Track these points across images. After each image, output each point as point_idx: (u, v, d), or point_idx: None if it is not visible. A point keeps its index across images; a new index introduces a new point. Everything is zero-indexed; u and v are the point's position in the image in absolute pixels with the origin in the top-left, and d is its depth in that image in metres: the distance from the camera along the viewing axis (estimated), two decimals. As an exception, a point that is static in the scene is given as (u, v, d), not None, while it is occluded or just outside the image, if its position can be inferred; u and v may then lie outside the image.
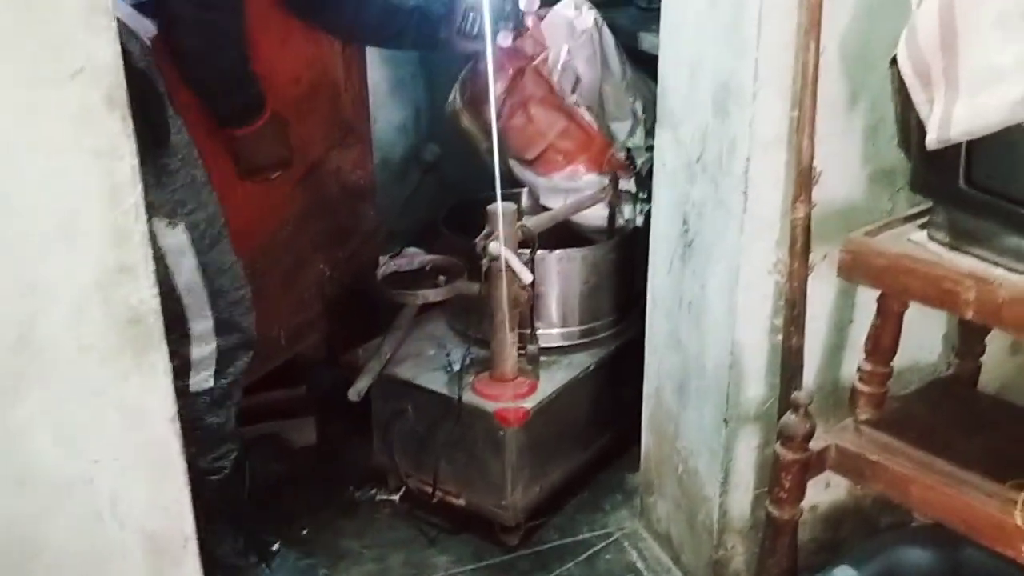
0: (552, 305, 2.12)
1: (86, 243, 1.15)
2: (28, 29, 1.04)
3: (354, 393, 1.99)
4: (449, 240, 2.14)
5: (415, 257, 2.11)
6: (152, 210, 1.54)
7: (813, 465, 1.49)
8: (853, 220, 1.64)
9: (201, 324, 1.74)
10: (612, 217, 2.16)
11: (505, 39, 2.02)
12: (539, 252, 1.99)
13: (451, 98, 2.34)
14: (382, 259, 2.19)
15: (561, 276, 2.09)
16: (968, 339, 1.72)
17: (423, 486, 2.12)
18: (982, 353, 1.73)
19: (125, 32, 1.54)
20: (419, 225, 3.35)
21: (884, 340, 1.54)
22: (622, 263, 2.17)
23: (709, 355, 1.75)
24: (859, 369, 1.57)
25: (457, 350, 2.12)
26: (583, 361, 2.12)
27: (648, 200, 2.14)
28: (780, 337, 1.65)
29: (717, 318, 1.71)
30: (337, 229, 2.77)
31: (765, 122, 1.53)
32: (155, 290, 1.22)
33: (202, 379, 1.77)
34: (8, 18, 1.02)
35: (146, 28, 1.70)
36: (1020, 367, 1.86)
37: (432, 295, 1.95)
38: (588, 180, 2.14)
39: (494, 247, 1.85)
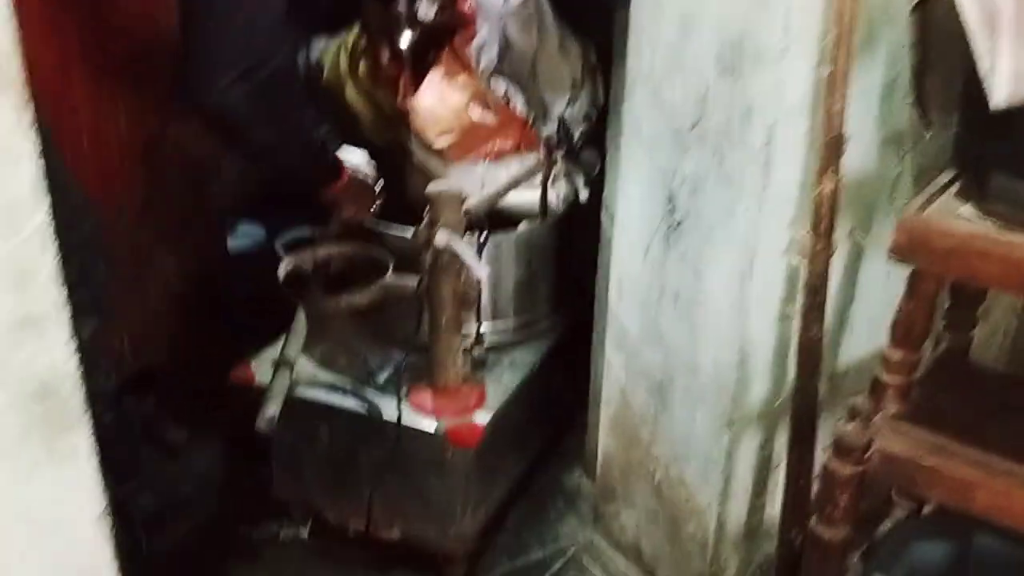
0: (485, 297, 1.82)
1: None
2: None
3: (264, 422, 1.61)
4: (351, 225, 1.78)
5: (316, 248, 1.73)
6: None
7: (870, 479, 1.31)
8: (866, 189, 1.47)
9: None
10: (544, 196, 1.87)
11: (427, 11, 1.68)
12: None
13: (327, 60, 1.96)
14: (280, 248, 1.79)
15: (495, 264, 1.79)
16: (960, 312, 1.60)
17: (342, 519, 1.79)
18: (975, 326, 1.62)
19: None
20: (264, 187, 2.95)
21: (917, 325, 1.37)
22: (560, 246, 1.89)
23: (705, 352, 1.52)
24: (885, 359, 1.39)
25: (375, 356, 1.78)
26: (526, 360, 1.84)
27: (592, 174, 1.88)
28: (793, 327, 1.45)
29: (718, 310, 1.48)
30: (183, 213, 2.34)
31: (793, 83, 1.30)
32: (71, 346, 0.83)
33: None
34: None
35: None
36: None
37: (360, 299, 1.59)
38: (510, 163, 1.85)
39: (441, 238, 1.52)
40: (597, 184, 1.83)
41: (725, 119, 1.37)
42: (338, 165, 1.71)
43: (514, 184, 1.79)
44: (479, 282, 1.57)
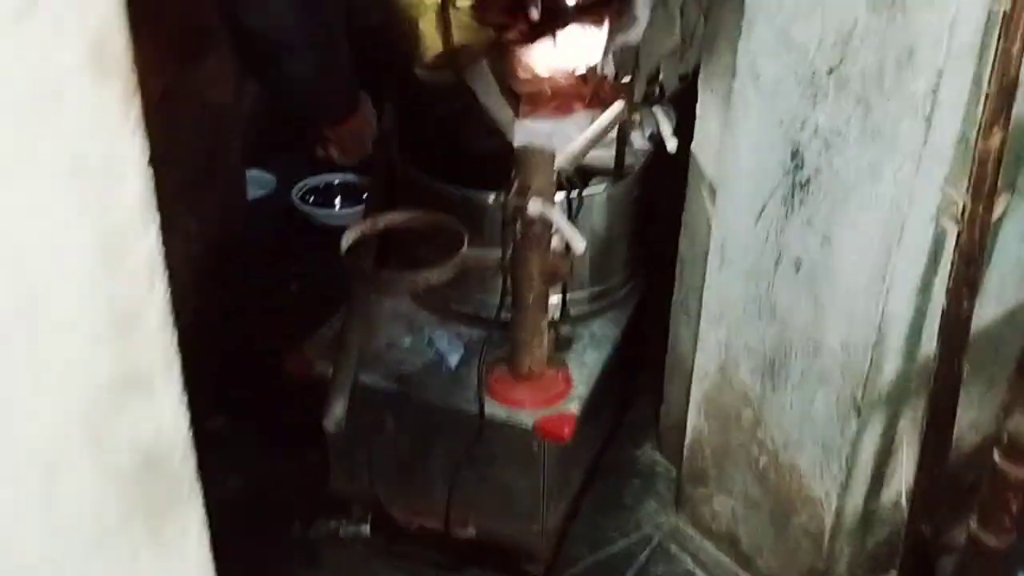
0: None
1: (57, 341, 0.55)
2: None
3: (332, 423, 1.43)
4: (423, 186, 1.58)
5: (378, 217, 1.52)
6: None
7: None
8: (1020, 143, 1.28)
9: None
10: (621, 151, 1.67)
11: None
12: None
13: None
14: (296, 199, 1.59)
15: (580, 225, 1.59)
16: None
17: (410, 516, 1.62)
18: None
19: None
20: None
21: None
22: (638, 206, 1.70)
23: (832, 329, 1.35)
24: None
25: (443, 335, 1.59)
26: (606, 334, 1.66)
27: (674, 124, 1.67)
28: (934, 299, 1.28)
29: (851, 283, 1.30)
30: (201, 167, 2.13)
31: (964, 22, 1.11)
32: (183, 406, 0.64)
33: None
34: None
35: None
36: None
37: (437, 276, 1.39)
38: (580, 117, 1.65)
39: (535, 207, 1.32)
40: (684, 135, 1.63)
41: (876, 62, 1.18)
42: (356, 105, 1.62)
43: (599, 138, 1.59)
44: (574, 255, 1.38)
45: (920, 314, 1.32)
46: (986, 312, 1.44)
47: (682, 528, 1.73)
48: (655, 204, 1.75)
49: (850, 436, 1.38)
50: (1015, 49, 1.11)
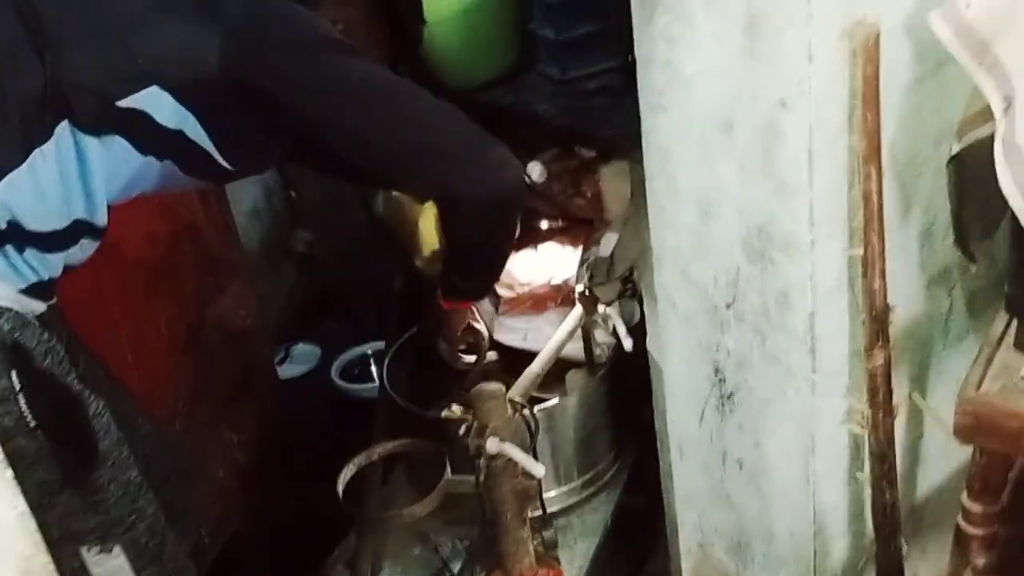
0: (546, 464, 1.79)
1: None
2: None
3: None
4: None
5: (371, 451, 1.72)
6: (79, 538, 1.28)
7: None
8: (917, 333, 1.41)
9: None
10: (589, 345, 1.84)
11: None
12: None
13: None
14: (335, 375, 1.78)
15: (552, 431, 1.77)
16: None
17: None
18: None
19: (19, 325, 1.22)
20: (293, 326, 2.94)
21: (992, 479, 1.32)
22: (612, 396, 1.86)
23: (779, 520, 1.48)
24: (965, 510, 1.34)
25: (446, 545, 1.77)
26: (596, 520, 1.82)
27: (632, 323, 1.84)
28: (866, 492, 1.40)
29: (785, 480, 1.43)
30: (236, 385, 2.36)
31: (826, 269, 1.25)
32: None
33: None
34: None
35: (35, 309, 1.31)
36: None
37: (420, 510, 1.58)
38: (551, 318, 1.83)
39: (492, 445, 1.50)
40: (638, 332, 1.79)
41: (761, 302, 1.32)
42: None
43: (563, 345, 1.76)
44: (538, 479, 1.55)
45: (857, 503, 1.44)
46: (935, 479, 1.55)
47: None
48: (634, 386, 1.90)
49: (813, 613, 1.49)
50: (876, 286, 1.25)
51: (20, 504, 0.77)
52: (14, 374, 1.18)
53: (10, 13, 1.24)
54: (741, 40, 1.15)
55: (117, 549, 1.28)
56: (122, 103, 1.26)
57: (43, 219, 1.26)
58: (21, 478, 0.90)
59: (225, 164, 1.38)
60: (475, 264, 1.59)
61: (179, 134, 1.32)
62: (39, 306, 1.30)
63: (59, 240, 1.29)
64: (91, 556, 1.26)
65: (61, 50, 1.24)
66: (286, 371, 2.84)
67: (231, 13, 1.32)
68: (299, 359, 3.00)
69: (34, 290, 1.28)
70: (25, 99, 1.22)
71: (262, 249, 2.89)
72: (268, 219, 2.95)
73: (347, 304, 3.02)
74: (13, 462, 0.88)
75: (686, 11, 1.20)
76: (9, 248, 1.24)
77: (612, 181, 1.71)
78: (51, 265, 1.30)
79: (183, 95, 1.29)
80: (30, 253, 1.26)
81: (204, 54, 1.28)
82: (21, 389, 1.19)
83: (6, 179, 1.21)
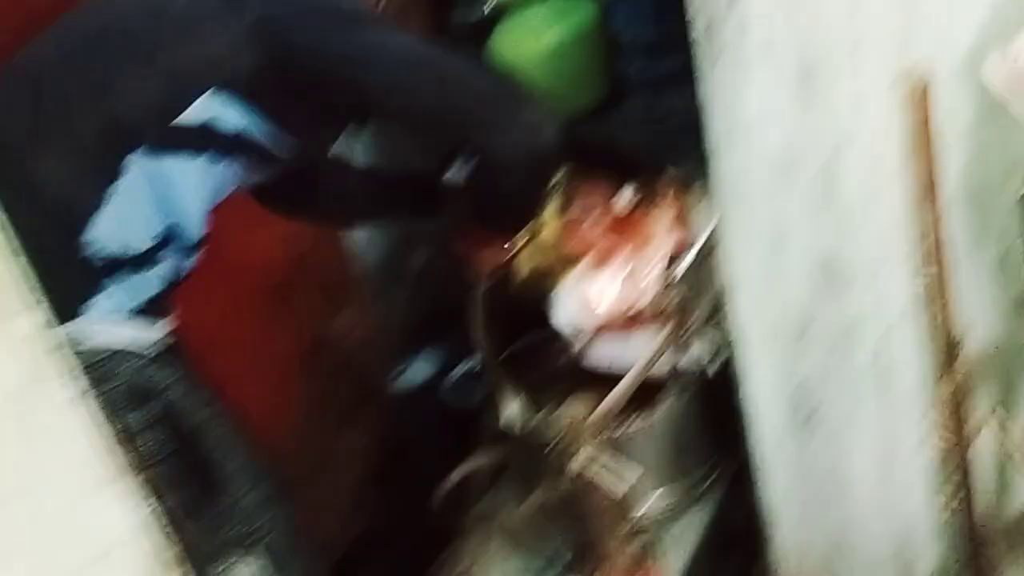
0: (641, 474, 1.87)
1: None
2: None
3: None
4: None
5: (468, 463, 1.85)
6: (211, 559, 1.37)
7: None
8: (998, 357, 1.42)
9: None
10: (675, 366, 1.90)
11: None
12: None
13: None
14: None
15: (642, 446, 1.84)
16: None
17: None
18: None
19: (141, 365, 1.30)
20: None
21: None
22: (712, 409, 1.92)
23: (869, 529, 1.52)
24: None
25: (546, 550, 1.88)
26: (692, 531, 1.88)
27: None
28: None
29: (871, 493, 1.48)
30: (361, 397, 2.51)
31: (892, 299, 1.29)
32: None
33: None
34: None
35: (150, 338, 1.38)
36: None
37: (518, 516, 1.70)
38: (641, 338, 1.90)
39: (580, 463, 1.60)
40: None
41: (832, 334, 1.37)
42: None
43: (651, 364, 1.84)
44: (628, 491, 1.64)
45: (942, 519, 1.47)
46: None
47: None
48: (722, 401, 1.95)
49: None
50: (943, 314, 1.28)
51: (154, 532, 0.87)
52: (141, 411, 1.28)
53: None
54: (795, 89, 1.21)
55: (245, 567, 1.43)
56: (179, 120, 1.34)
57: (130, 246, 1.34)
58: (154, 506, 1.03)
59: (282, 155, 1.46)
60: (510, 213, 1.69)
61: (239, 135, 1.40)
62: (153, 334, 1.37)
63: (147, 259, 1.36)
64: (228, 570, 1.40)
65: (110, 87, 1.34)
66: (402, 384, 3.00)
67: (254, 4, 1.39)
68: (415, 373, 3.17)
69: (141, 314, 1.35)
70: (93, 141, 1.32)
71: (380, 266, 3.06)
72: (386, 237, 3.12)
73: (461, 319, 3.16)
74: (147, 492, 1.00)
75: (743, 61, 1.26)
76: (107, 282, 1.32)
77: (694, 210, 1.78)
78: (148, 284, 1.36)
79: (233, 95, 1.36)
80: (126, 279, 1.33)
81: (240, 50, 1.35)
82: (149, 424, 1.29)
83: (94, 223, 1.30)
